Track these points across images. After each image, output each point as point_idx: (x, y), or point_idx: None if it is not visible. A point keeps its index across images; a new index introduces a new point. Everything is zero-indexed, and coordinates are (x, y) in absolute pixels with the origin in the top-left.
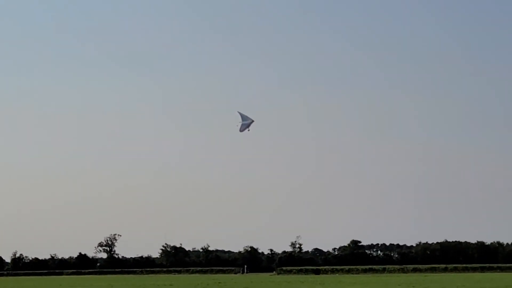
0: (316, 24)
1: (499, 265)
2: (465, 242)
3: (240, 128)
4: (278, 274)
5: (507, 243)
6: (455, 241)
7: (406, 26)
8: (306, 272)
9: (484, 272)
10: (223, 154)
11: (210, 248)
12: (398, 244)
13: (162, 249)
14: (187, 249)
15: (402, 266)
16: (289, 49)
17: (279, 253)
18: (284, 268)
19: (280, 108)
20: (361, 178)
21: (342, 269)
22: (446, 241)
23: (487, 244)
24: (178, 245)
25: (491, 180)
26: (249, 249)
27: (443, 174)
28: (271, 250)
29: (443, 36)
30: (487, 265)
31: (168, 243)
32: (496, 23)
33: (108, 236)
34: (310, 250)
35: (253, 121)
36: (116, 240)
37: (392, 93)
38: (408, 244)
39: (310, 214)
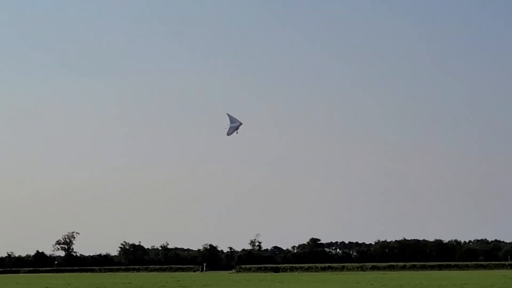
0: (283, 25)
1: (457, 263)
2: (423, 240)
3: (228, 131)
4: (237, 272)
5: (465, 241)
6: (414, 239)
7: (376, 26)
8: (265, 270)
9: (441, 270)
10: (184, 153)
11: (169, 246)
12: (357, 242)
13: (120, 247)
14: (146, 247)
15: (361, 264)
16: (245, 49)
17: (238, 251)
18: (243, 266)
19: (240, 107)
20: (321, 176)
21: (301, 267)
22: (405, 239)
23: (445, 242)
24: (137, 243)
25: (449, 179)
26: (208, 247)
27: (402, 173)
28: (231, 248)
29: (413, 36)
30: (444, 263)
31: (127, 241)
32: (462, 22)
33: (66, 234)
34: (269, 248)
35: (241, 123)
36: (74, 238)
37: (349, 93)
38: (367, 242)
39: (269, 212)
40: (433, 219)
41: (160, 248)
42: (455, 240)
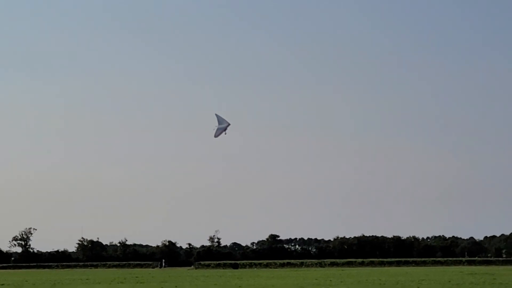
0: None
1: (415, 259)
2: (382, 236)
3: (215, 133)
4: (196, 268)
5: (423, 238)
6: (372, 235)
7: (342, 26)
8: (225, 266)
9: (400, 266)
10: (142, 150)
11: (127, 242)
12: (316, 239)
13: (78, 243)
14: (104, 243)
15: (320, 261)
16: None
17: (197, 248)
18: (202, 262)
19: (200, 105)
20: (280, 173)
21: (260, 264)
22: (363, 235)
23: (403, 238)
24: (95, 239)
25: (407, 176)
26: (167, 243)
27: (360, 170)
28: (190, 244)
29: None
30: (403, 259)
31: (85, 237)
32: (429, 22)
33: (23, 230)
34: (228, 244)
35: (229, 124)
36: (31, 234)
37: (310, 88)
38: (326, 239)
39: (228, 208)
40: (392, 215)
41: (118, 245)
42: (413, 237)
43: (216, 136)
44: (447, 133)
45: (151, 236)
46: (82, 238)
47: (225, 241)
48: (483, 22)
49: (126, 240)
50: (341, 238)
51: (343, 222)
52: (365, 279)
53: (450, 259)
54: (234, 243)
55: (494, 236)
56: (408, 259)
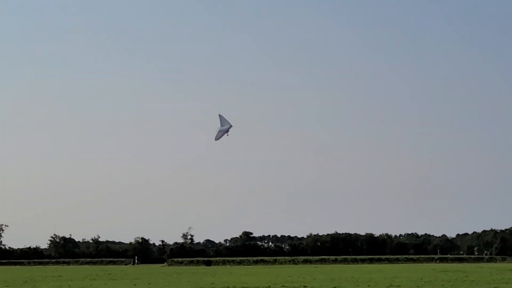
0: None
1: (387, 256)
2: (355, 234)
3: (217, 136)
4: (169, 265)
5: (395, 235)
6: (345, 233)
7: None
8: (198, 263)
9: (372, 264)
10: (116, 146)
11: (100, 239)
12: (289, 236)
13: (50, 240)
14: (76, 240)
15: (293, 258)
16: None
17: (170, 244)
18: (175, 259)
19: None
20: (253, 169)
21: (233, 261)
22: (336, 232)
23: (376, 236)
24: (67, 236)
25: (380, 174)
26: (140, 240)
27: (333, 167)
28: (163, 241)
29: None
30: (375, 256)
31: (57, 234)
32: (394, 19)
33: None
34: (201, 241)
35: (231, 126)
36: (2, 230)
37: (284, 90)
38: (299, 236)
39: (202, 205)
40: (365, 213)
41: (91, 241)
42: (386, 234)
43: (217, 138)
44: (420, 131)
45: (124, 233)
46: (55, 234)
47: (198, 238)
48: (459, 22)
49: (99, 237)
50: (314, 235)
51: (316, 219)
52: (338, 276)
53: (423, 256)
54: (207, 240)
55: (466, 234)
56: (381, 256)
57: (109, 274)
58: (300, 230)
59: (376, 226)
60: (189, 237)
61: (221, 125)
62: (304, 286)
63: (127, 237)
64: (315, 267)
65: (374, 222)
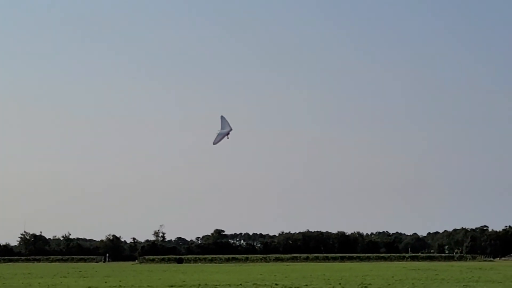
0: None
1: (359, 255)
2: (327, 232)
3: (215, 140)
4: (141, 263)
5: (367, 234)
6: (317, 231)
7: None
8: (169, 261)
9: (344, 262)
10: (83, 143)
11: (71, 236)
12: (261, 234)
13: (20, 237)
14: (47, 237)
15: (265, 256)
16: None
17: (142, 242)
18: (146, 257)
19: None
20: (225, 167)
21: (205, 258)
22: (308, 231)
23: (347, 234)
24: (37, 233)
25: (351, 173)
26: (112, 237)
27: (305, 165)
28: (134, 239)
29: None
30: (347, 254)
31: (27, 231)
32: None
33: None
34: (173, 239)
35: (231, 129)
36: None
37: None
38: (271, 234)
39: (173, 203)
40: (336, 211)
41: (61, 239)
42: (358, 232)
43: (215, 143)
44: (391, 130)
45: (95, 231)
46: (25, 232)
47: (170, 236)
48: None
49: (70, 234)
50: (286, 233)
51: (288, 217)
52: (309, 274)
53: (394, 254)
54: (179, 238)
55: (437, 232)
56: (352, 254)
57: (80, 271)
58: (272, 228)
59: (347, 225)
60: (160, 235)
61: (222, 128)
62: (276, 284)
63: (98, 235)
64: (287, 265)
65: (345, 220)
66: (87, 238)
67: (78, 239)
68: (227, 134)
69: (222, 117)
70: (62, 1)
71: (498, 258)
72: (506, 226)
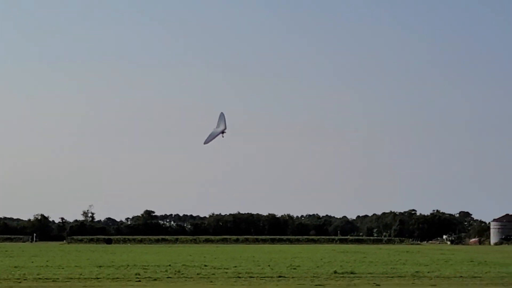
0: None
1: (288, 237)
2: (257, 214)
3: (206, 139)
4: (69, 243)
5: (297, 216)
6: (247, 213)
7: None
8: (98, 241)
9: (274, 244)
10: (17, 124)
11: None
12: (191, 215)
13: None
14: None
15: (195, 237)
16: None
17: (70, 222)
18: (75, 237)
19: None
20: (156, 147)
21: (134, 239)
22: (239, 213)
23: (277, 216)
24: None
25: (282, 156)
26: (39, 217)
27: (238, 149)
28: (62, 219)
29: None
30: (277, 236)
31: None
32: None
33: None
34: (102, 219)
35: (225, 128)
36: None
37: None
38: (201, 215)
39: (103, 183)
40: (267, 193)
41: None
42: (288, 215)
43: (206, 142)
44: (320, 115)
45: (22, 210)
46: None
47: (99, 216)
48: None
49: None
50: (216, 215)
51: (218, 199)
52: (239, 255)
53: (323, 237)
54: (109, 218)
55: (366, 216)
56: (282, 237)
57: (6, 251)
58: (202, 209)
59: (278, 207)
60: (89, 215)
61: (217, 126)
62: (205, 266)
63: (26, 214)
64: (217, 246)
65: (276, 203)
66: (14, 217)
67: (5, 218)
68: (222, 132)
69: (222, 114)
70: None
71: (426, 242)
72: (433, 210)
